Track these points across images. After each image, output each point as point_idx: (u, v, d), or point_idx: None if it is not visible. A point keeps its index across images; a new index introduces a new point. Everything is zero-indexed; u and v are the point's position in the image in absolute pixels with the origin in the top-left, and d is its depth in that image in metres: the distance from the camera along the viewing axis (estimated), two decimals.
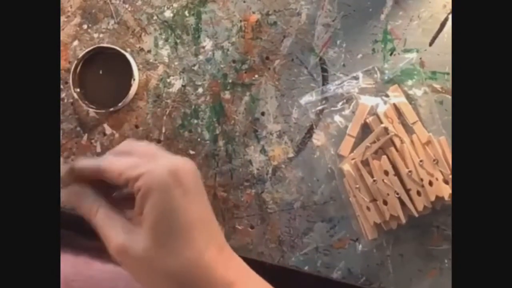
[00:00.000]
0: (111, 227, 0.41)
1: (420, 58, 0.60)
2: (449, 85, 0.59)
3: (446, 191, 0.56)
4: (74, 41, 0.63)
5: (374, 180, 0.57)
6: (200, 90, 0.62)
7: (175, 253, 0.39)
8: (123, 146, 0.43)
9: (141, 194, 0.39)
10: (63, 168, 0.43)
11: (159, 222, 0.39)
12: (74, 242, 0.66)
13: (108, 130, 0.63)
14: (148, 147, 0.43)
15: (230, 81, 0.62)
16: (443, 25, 0.60)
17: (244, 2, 0.62)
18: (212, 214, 0.42)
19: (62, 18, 0.63)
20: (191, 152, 0.62)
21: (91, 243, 0.68)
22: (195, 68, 0.62)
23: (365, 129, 0.59)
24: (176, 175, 0.39)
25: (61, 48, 0.63)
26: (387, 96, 0.59)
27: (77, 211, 0.45)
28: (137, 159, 0.40)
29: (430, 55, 0.60)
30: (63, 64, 0.63)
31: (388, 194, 0.56)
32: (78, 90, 0.61)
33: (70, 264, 0.61)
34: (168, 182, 0.39)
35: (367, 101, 0.59)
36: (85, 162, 0.42)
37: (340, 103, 0.60)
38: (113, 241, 0.40)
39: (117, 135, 0.62)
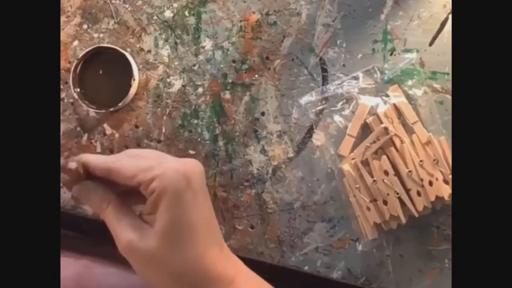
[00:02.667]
0: (121, 223, 0.42)
1: (420, 58, 0.60)
2: (449, 85, 0.59)
3: (446, 191, 0.56)
4: (74, 41, 0.63)
5: (374, 180, 0.57)
6: (200, 90, 0.62)
7: (181, 253, 0.40)
8: (130, 151, 0.45)
9: (156, 196, 0.40)
10: (71, 164, 0.43)
11: (172, 223, 0.40)
12: (76, 246, 0.66)
13: (108, 130, 0.63)
14: (155, 151, 0.44)
15: (230, 81, 0.62)
16: (443, 25, 0.60)
17: (244, 2, 0.62)
18: (214, 214, 0.43)
19: (62, 18, 0.63)
20: (191, 152, 0.62)
21: (92, 248, 0.68)
22: (195, 68, 0.62)
23: (365, 129, 0.59)
24: (188, 178, 0.40)
25: (61, 48, 0.63)
26: (387, 96, 0.59)
27: (87, 205, 0.46)
28: (148, 161, 0.41)
29: (430, 55, 0.60)
30: (63, 64, 0.63)
31: (388, 194, 0.56)
32: (78, 90, 0.61)
33: (71, 268, 0.61)
34: (182, 185, 0.40)
35: (367, 101, 0.59)
36: (96, 161, 0.43)
37: (340, 103, 0.60)
38: (122, 237, 0.41)
39: (117, 135, 0.62)
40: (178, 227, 0.40)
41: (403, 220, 0.56)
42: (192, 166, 0.41)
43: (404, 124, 0.58)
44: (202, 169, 0.43)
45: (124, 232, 0.41)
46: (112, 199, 0.43)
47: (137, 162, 0.42)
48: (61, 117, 0.63)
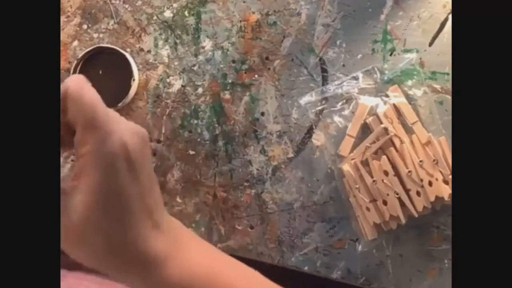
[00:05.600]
0: None
1: (420, 58, 0.60)
2: (449, 85, 0.59)
3: (446, 191, 0.56)
4: (74, 41, 0.63)
5: (374, 180, 0.57)
6: (200, 90, 0.62)
7: (104, 231, 0.36)
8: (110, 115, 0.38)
9: (85, 162, 0.36)
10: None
11: (98, 200, 0.36)
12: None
13: None
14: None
15: (230, 81, 0.62)
16: (443, 25, 0.60)
17: (244, 2, 0.62)
18: (152, 187, 0.38)
19: (62, 18, 0.63)
20: (191, 152, 0.62)
21: None
22: (195, 68, 0.62)
23: (365, 129, 0.59)
24: (126, 149, 0.36)
25: (61, 48, 0.63)
26: (387, 96, 0.59)
27: None
28: (105, 123, 0.36)
29: (430, 55, 0.60)
30: (63, 64, 0.63)
31: (388, 194, 0.56)
32: None
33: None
34: (118, 158, 0.36)
35: (367, 101, 0.59)
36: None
37: (340, 103, 0.60)
38: None
39: None
40: (103, 204, 0.36)
41: (403, 220, 0.56)
42: (133, 135, 0.36)
43: (404, 124, 0.58)
44: (145, 135, 0.37)
45: None
46: None
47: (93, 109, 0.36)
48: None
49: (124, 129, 0.37)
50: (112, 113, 0.37)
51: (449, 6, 0.59)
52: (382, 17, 0.60)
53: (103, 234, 0.36)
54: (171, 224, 0.40)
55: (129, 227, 0.37)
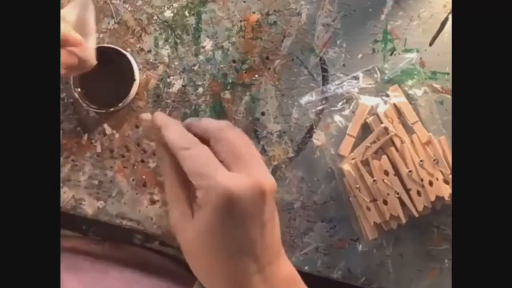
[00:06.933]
0: (172, 202, 0.44)
1: (420, 58, 0.60)
2: (449, 85, 0.59)
3: (446, 191, 0.56)
4: None
5: (374, 180, 0.57)
6: (200, 90, 0.62)
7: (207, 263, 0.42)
8: (230, 132, 0.45)
9: (199, 202, 0.41)
10: (146, 115, 0.46)
11: (208, 233, 0.41)
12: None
13: (108, 130, 0.63)
14: (249, 150, 0.44)
15: (230, 81, 0.62)
16: (443, 25, 0.60)
17: (244, 2, 0.62)
18: (263, 234, 0.42)
19: None
20: None
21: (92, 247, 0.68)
22: (195, 68, 0.62)
23: (365, 129, 0.59)
24: (232, 202, 0.40)
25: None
26: (387, 96, 0.59)
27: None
28: (212, 166, 0.41)
29: (430, 55, 0.60)
30: None
31: (388, 194, 0.56)
32: (78, 90, 0.60)
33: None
34: (224, 206, 0.40)
35: (367, 101, 0.59)
36: (170, 138, 0.43)
37: (340, 103, 0.60)
38: (171, 217, 0.43)
39: (117, 135, 0.62)
40: (211, 240, 0.41)
41: (403, 220, 0.56)
42: (245, 189, 0.40)
43: (404, 124, 0.58)
44: (261, 189, 0.41)
45: (173, 209, 0.43)
46: (173, 172, 0.44)
47: (202, 160, 0.41)
48: (61, 117, 0.63)
49: (237, 183, 0.40)
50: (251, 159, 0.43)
51: (449, 6, 0.59)
52: (383, 17, 0.60)
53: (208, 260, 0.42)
54: (278, 273, 0.43)
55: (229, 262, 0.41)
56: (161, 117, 0.45)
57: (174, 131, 0.44)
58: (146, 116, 0.46)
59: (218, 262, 0.41)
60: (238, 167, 0.42)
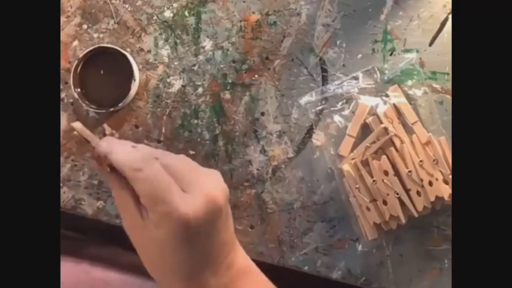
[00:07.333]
0: (121, 209, 0.44)
1: (420, 58, 0.60)
2: (449, 85, 0.59)
3: (446, 191, 0.56)
4: (74, 41, 0.63)
5: (374, 180, 0.57)
6: (200, 90, 0.62)
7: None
8: (177, 160, 0.45)
9: (156, 223, 0.41)
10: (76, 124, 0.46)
11: (165, 249, 0.42)
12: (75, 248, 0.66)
13: (108, 130, 0.63)
14: (196, 172, 0.45)
15: (230, 81, 0.62)
16: (443, 25, 0.60)
17: (244, 2, 0.62)
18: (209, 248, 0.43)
19: (62, 18, 0.63)
20: (191, 152, 0.62)
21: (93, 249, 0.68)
22: (195, 68, 0.62)
23: (365, 129, 0.59)
24: (186, 225, 0.40)
25: (61, 48, 0.63)
26: (387, 96, 0.59)
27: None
28: (163, 190, 0.41)
29: (430, 55, 0.60)
30: (63, 64, 0.63)
31: (388, 194, 0.56)
32: (78, 90, 0.61)
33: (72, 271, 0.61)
34: (184, 232, 0.41)
35: (367, 101, 0.59)
36: (120, 162, 0.43)
37: (340, 103, 0.60)
38: (123, 222, 0.44)
39: (117, 135, 0.62)
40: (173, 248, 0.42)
41: (403, 220, 0.56)
42: (201, 210, 0.41)
43: (404, 124, 0.58)
44: (219, 206, 0.42)
45: (123, 215, 0.44)
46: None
47: (156, 183, 0.41)
48: (61, 117, 0.63)
49: (193, 207, 0.41)
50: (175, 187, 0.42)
51: (449, 6, 0.59)
52: (382, 17, 0.60)
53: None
54: (233, 265, 0.45)
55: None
56: (106, 144, 0.44)
57: (123, 152, 0.43)
58: (76, 124, 0.46)
59: (173, 268, 0.42)
60: (190, 187, 0.42)
